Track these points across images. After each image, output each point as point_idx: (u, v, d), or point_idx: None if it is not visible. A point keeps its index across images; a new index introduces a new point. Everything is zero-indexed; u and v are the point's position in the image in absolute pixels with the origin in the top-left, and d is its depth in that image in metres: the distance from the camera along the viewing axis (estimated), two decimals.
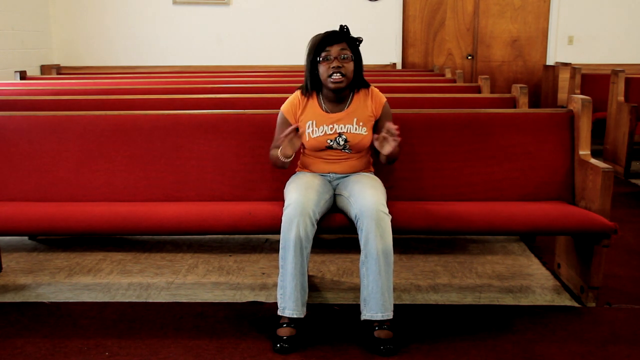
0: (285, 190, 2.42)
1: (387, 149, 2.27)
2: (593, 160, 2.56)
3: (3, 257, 3.08)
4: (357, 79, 2.43)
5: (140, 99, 3.52)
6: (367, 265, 2.16)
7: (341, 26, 2.39)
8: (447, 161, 2.73)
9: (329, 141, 2.42)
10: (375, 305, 2.15)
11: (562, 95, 6.70)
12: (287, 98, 2.53)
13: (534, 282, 2.77)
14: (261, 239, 3.38)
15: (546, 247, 3.20)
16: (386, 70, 6.65)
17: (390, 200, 2.38)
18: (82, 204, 2.64)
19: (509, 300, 2.58)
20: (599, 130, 5.38)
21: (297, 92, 2.50)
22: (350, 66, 2.35)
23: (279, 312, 2.21)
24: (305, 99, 2.47)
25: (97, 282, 2.78)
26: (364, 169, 2.52)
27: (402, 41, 7.30)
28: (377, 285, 2.14)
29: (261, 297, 2.61)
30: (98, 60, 7.20)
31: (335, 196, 2.43)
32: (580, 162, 2.64)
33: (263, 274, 2.88)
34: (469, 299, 2.59)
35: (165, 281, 2.79)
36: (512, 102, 3.44)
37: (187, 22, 7.16)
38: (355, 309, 2.32)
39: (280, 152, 2.31)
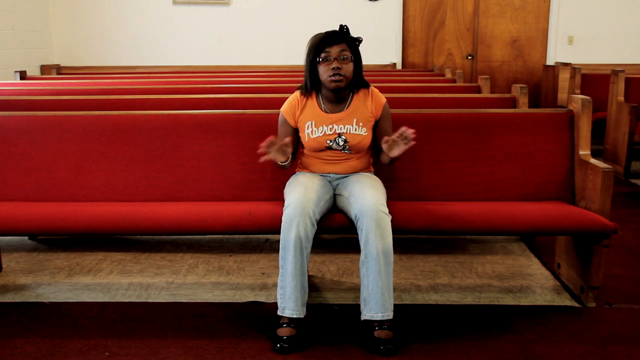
0: (285, 190, 2.43)
1: (396, 152, 2.26)
2: (593, 160, 2.56)
3: (3, 257, 3.08)
4: (357, 79, 2.43)
5: (140, 99, 3.52)
6: (367, 265, 2.16)
7: (341, 26, 2.39)
8: (447, 161, 2.73)
9: (328, 141, 2.42)
10: (375, 305, 2.15)
11: (562, 95, 6.70)
12: (287, 98, 2.53)
13: (534, 282, 2.77)
14: (261, 239, 3.38)
15: (546, 247, 3.20)
16: (386, 70, 6.65)
17: (390, 200, 2.38)
18: (82, 204, 2.64)
19: (509, 300, 2.58)
20: (599, 130, 5.38)
21: (297, 93, 2.49)
22: (349, 67, 2.35)
23: (279, 312, 2.21)
24: (305, 99, 2.47)
25: (97, 282, 2.78)
26: (364, 169, 2.51)
27: (402, 41, 7.30)
28: (377, 285, 2.14)
29: (261, 297, 2.61)
30: (98, 60, 7.20)
31: (335, 196, 2.43)
32: (580, 162, 2.64)
33: (263, 274, 2.88)
34: (469, 299, 2.59)
35: (165, 281, 2.79)
36: (512, 102, 3.44)
37: (187, 22, 7.16)
38: (355, 309, 2.32)
39: (272, 158, 2.30)
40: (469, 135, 2.74)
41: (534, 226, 2.41)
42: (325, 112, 2.44)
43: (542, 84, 7.30)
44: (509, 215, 2.42)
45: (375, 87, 2.53)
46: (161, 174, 2.74)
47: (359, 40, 2.40)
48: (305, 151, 2.51)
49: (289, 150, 2.33)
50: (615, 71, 5.26)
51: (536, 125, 2.74)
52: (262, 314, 2.44)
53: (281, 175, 2.63)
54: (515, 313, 2.45)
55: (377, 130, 2.48)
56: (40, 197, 2.74)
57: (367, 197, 2.22)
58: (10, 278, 2.84)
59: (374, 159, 2.59)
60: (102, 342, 2.22)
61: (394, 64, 7.17)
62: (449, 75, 5.30)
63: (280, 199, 2.47)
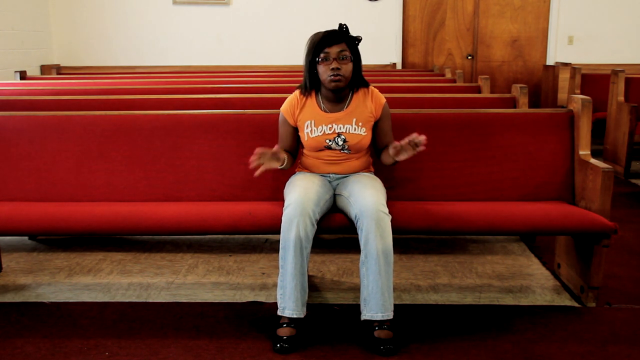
0: (285, 190, 2.42)
1: (403, 157, 2.26)
2: (593, 160, 2.56)
3: (3, 257, 3.08)
4: (356, 79, 2.43)
5: (140, 99, 3.52)
6: (367, 265, 2.16)
7: (340, 25, 2.38)
8: (447, 161, 2.73)
9: (327, 141, 2.42)
10: (375, 305, 2.15)
11: (562, 95, 6.70)
12: (287, 98, 2.52)
13: (534, 282, 2.77)
14: (261, 239, 3.38)
15: (546, 247, 3.20)
16: (386, 70, 6.65)
17: (390, 200, 2.38)
18: (82, 204, 2.64)
19: (509, 300, 2.58)
20: (599, 130, 5.38)
21: (296, 92, 2.49)
22: (349, 67, 2.35)
23: (279, 312, 2.21)
24: (304, 98, 2.46)
25: (97, 282, 2.78)
26: (364, 169, 2.51)
27: (402, 41, 7.30)
28: (377, 285, 2.14)
29: (261, 297, 2.61)
30: (98, 60, 7.20)
31: (335, 196, 2.43)
32: (580, 162, 2.64)
33: (263, 274, 2.88)
34: (469, 299, 2.59)
35: (165, 281, 2.79)
36: (512, 102, 3.44)
37: (187, 22, 7.16)
38: (355, 309, 2.32)
39: (267, 167, 2.28)
40: (469, 135, 2.74)
41: (534, 226, 2.41)
42: (325, 111, 2.44)
43: (542, 84, 7.30)
44: (509, 215, 2.42)
45: (375, 87, 2.53)
46: (161, 174, 2.74)
47: (358, 40, 2.40)
48: (305, 151, 2.51)
49: (282, 155, 2.32)
50: (615, 71, 5.26)
51: (536, 125, 2.74)
52: (262, 314, 2.44)
53: (281, 175, 2.63)
54: (515, 313, 2.45)
55: (377, 131, 2.48)
56: (40, 197, 2.74)
57: (367, 197, 2.22)
58: (10, 278, 2.84)
59: (374, 159, 2.59)
60: (102, 342, 2.22)
61: (394, 64, 7.17)
62: (449, 75, 5.30)
63: (280, 199, 2.47)
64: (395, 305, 2.23)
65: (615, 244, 3.13)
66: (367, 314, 2.17)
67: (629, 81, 5.22)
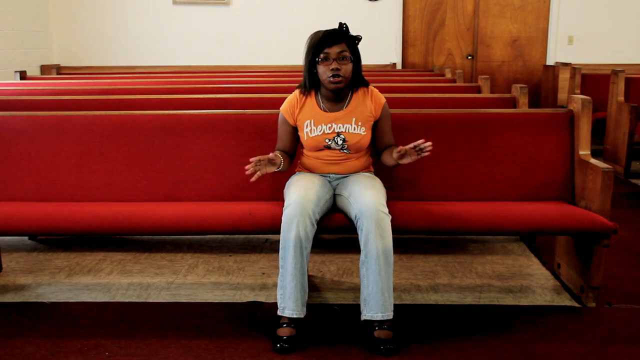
0: (285, 190, 2.42)
1: (407, 161, 2.27)
2: (593, 160, 2.56)
3: (3, 257, 3.08)
4: (356, 78, 2.43)
5: (140, 99, 3.52)
6: (367, 265, 2.16)
7: (340, 24, 2.38)
8: (447, 161, 2.73)
9: (327, 140, 2.42)
10: (376, 305, 2.15)
11: (562, 95, 6.70)
12: (286, 98, 2.52)
13: (534, 282, 2.77)
14: (261, 239, 3.38)
15: (546, 247, 3.20)
16: (386, 70, 6.65)
17: (390, 200, 2.38)
18: (82, 204, 2.64)
19: (509, 300, 2.58)
20: (599, 130, 5.38)
21: (296, 92, 2.49)
22: (348, 67, 2.35)
23: (279, 312, 2.21)
24: (304, 97, 2.46)
25: (97, 282, 2.78)
26: (364, 169, 2.51)
27: (402, 41, 7.30)
28: (377, 285, 2.14)
29: (261, 297, 2.61)
30: (98, 60, 7.20)
31: (335, 196, 2.43)
32: (580, 162, 2.64)
33: (263, 274, 2.88)
34: (469, 299, 2.59)
35: (165, 281, 2.79)
36: (512, 102, 3.44)
37: (187, 22, 7.16)
38: (355, 309, 2.32)
39: (263, 173, 2.28)
40: (469, 135, 2.74)
41: (534, 226, 2.41)
42: (325, 111, 2.44)
43: (542, 84, 7.30)
44: (509, 215, 2.42)
45: (375, 87, 2.53)
46: (161, 174, 2.74)
47: (358, 39, 2.40)
48: (305, 151, 2.51)
49: (278, 160, 2.32)
50: (615, 71, 5.26)
51: (536, 125, 2.74)
52: (262, 314, 2.44)
53: (281, 175, 2.63)
54: (515, 313, 2.45)
55: (377, 130, 2.48)
56: (40, 197, 2.74)
57: (367, 197, 2.22)
58: (10, 278, 2.84)
59: (374, 159, 2.59)
60: (102, 342, 2.22)
61: (394, 64, 7.17)
62: (449, 75, 5.30)
63: (280, 199, 2.47)
64: (395, 305, 2.23)
65: (615, 244, 3.13)
66: (367, 314, 2.17)
67: (629, 81, 5.22)
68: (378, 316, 2.15)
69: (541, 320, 2.38)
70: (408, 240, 3.33)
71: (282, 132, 2.50)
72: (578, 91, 5.94)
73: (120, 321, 2.39)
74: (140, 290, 2.69)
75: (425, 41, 7.33)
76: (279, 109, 2.52)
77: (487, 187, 2.72)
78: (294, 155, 2.54)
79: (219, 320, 2.39)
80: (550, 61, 7.27)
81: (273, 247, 3.24)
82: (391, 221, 2.20)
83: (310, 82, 2.43)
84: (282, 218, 2.21)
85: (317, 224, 2.23)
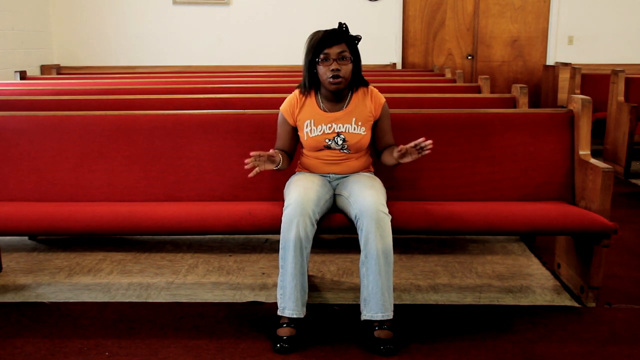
0: (285, 190, 2.42)
1: (408, 160, 2.27)
2: (593, 160, 2.56)
3: (3, 257, 3.08)
4: (356, 78, 2.43)
5: (140, 99, 3.52)
6: (367, 265, 2.16)
7: (340, 24, 2.38)
8: (447, 161, 2.73)
9: (327, 140, 2.42)
10: (375, 305, 2.15)
11: (562, 95, 6.70)
12: (286, 97, 2.52)
13: (534, 282, 2.77)
14: (261, 239, 3.38)
15: (546, 247, 3.20)
16: (386, 70, 6.65)
17: (390, 200, 2.38)
18: (82, 204, 2.64)
19: (509, 300, 2.58)
20: (599, 130, 5.38)
21: (296, 91, 2.49)
22: (348, 67, 2.35)
23: (279, 312, 2.21)
24: (304, 97, 2.46)
25: (97, 282, 2.78)
26: (364, 169, 2.51)
27: (402, 41, 7.30)
28: (377, 285, 2.14)
29: (261, 297, 2.61)
30: (98, 60, 7.20)
31: (335, 196, 2.43)
32: (580, 162, 2.64)
33: (263, 274, 2.88)
34: (469, 299, 2.59)
35: (165, 281, 2.79)
36: (512, 102, 3.44)
37: (187, 22, 7.16)
38: (355, 309, 2.32)
39: (262, 170, 2.27)
40: (469, 135, 2.74)
41: (534, 226, 2.41)
42: (324, 110, 2.44)
43: (542, 84, 7.30)
44: (509, 215, 2.42)
45: (375, 87, 2.53)
46: (161, 174, 2.74)
47: (358, 39, 2.40)
48: (305, 151, 2.51)
49: (277, 157, 2.32)
50: (615, 71, 5.26)
51: (536, 125, 2.74)
52: (262, 314, 2.44)
53: (281, 175, 2.63)
54: (515, 313, 2.45)
55: (376, 130, 2.48)
56: (40, 197, 2.74)
57: (367, 197, 2.22)
58: (10, 278, 2.84)
59: (374, 158, 2.59)
60: (102, 342, 2.22)
61: (394, 64, 7.17)
62: (449, 75, 5.30)
63: (280, 199, 2.47)
64: (395, 305, 2.23)
65: (615, 244, 3.13)
66: (367, 314, 2.17)
67: (629, 81, 5.22)
68: (378, 316, 2.15)
69: (541, 320, 2.38)
70: (408, 240, 3.33)
71: (282, 132, 2.50)
72: (578, 91, 5.94)
73: (120, 321, 2.39)
74: (140, 290, 2.69)
75: (425, 41, 7.33)
76: (278, 109, 2.52)
77: (487, 187, 2.72)
78: (293, 155, 2.54)
79: (219, 320, 2.39)
80: (550, 61, 7.27)
81: (273, 247, 3.24)
82: (391, 221, 2.20)
83: (310, 82, 2.43)
84: (282, 218, 2.21)
85: (317, 224, 2.23)
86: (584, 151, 2.66)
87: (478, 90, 4.09)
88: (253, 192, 2.71)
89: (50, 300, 2.58)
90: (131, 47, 7.19)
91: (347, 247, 3.20)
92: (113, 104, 3.43)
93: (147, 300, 2.58)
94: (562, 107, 3.93)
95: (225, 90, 4.00)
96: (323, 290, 2.68)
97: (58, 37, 7.17)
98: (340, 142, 2.41)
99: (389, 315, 2.16)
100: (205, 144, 2.74)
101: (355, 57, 2.39)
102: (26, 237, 3.40)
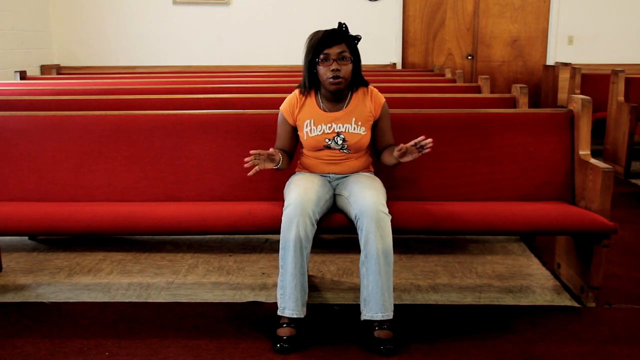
0: (285, 190, 2.42)
1: (408, 159, 2.27)
2: (593, 160, 2.56)
3: (3, 257, 3.08)
4: (356, 78, 2.43)
5: (140, 99, 3.52)
6: (367, 265, 2.16)
7: (340, 24, 2.38)
8: (447, 161, 2.73)
9: (327, 140, 2.42)
10: (375, 305, 2.15)
11: (562, 95, 6.70)
12: (286, 97, 2.52)
13: (534, 282, 2.77)
14: (261, 239, 3.38)
15: (546, 247, 3.20)
16: (386, 70, 6.65)
17: (390, 200, 2.38)
18: (82, 204, 2.64)
19: (509, 300, 2.58)
20: (599, 130, 5.38)
21: (296, 91, 2.49)
22: (348, 67, 2.35)
23: (279, 312, 2.21)
24: (304, 97, 2.46)
25: (97, 282, 2.78)
26: (364, 169, 2.51)
27: (402, 41, 7.30)
28: (377, 285, 2.14)
29: (261, 297, 2.61)
30: (98, 60, 7.20)
31: (335, 196, 2.43)
32: (580, 162, 2.64)
33: (263, 274, 2.88)
34: (469, 299, 2.59)
35: (165, 281, 2.79)
36: (512, 102, 3.44)
37: (187, 22, 7.16)
38: (355, 309, 2.32)
39: (261, 168, 2.27)
40: (469, 135, 2.74)
41: (534, 226, 2.41)
42: (324, 110, 2.44)
43: (542, 84, 7.30)
44: (509, 215, 2.42)
45: (375, 87, 2.53)
46: (161, 174, 2.74)
47: (357, 39, 2.40)
48: (305, 151, 2.51)
49: (277, 156, 2.32)
50: (615, 71, 5.26)
51: (536, 125, 2.74)
52: (262, 314, 2.44)
53: (281, 175, 2.63)
54: (515, 313, 2.45)
55: (376, 130, 2.48)
56: (40, 197, 2.74)
57: (367, 197, 2.22)
58: (10, 278, 2.84)
59: (374, 158, 2.59)
60: (102, 342, 2.22)
61: (394, 64, 7.17)
62: (449, 75, 5.30)
63: (280, 199, 2.47)
64: (395, 305, 2.23)
65: (615, 244, 3.13)
66: (367, 314, 2.17)
67: (629, 81, 5.22)
68: (378, 316, 2.15)
69: (541, 320, 2.38)
70: (408, 240, 3.33)
71: (282, 132, 2.50)
72: (578, 91, 5.94)
73: (120, 321, 2.39)
74: (140, 290, 2.69)
75: (425, 41, 7.33)
76: (278, 108, 2.52)
77: (487, 187, 2.72)
78: (292, 155, 2.54)
79: (219, 320, 2.39)
80: (550, 61, 7.27)
81: (273, 247, 3.24)
82: (391, 221, 2.20)
83: (310, 82, 2.43)
84: (282, 218, 2.21)
85: (317, 224, 2.23)
86: (584, 151, 2.66)
87: (478, 90, 4.09)
88: (253, 192, 2.71)
89: (50, 300, 2.58)
90: (131, 47, 7.19)
91: (347, 247, 3.20)
92: (113, 104, 3.43)
93: (147, 300, 2.58)
94: (562, 107, 3.93)
95: (225, 90, 4.00)
96: (323, 290, 2.68)
97: (58, 37, 7.17)
98: (340, 142, 2.41)
99: (389, 315, 2.16)
100: (205, 144, 2.74)
101: (355, 57, 2.39)
102: (26, 237, 3.40)
